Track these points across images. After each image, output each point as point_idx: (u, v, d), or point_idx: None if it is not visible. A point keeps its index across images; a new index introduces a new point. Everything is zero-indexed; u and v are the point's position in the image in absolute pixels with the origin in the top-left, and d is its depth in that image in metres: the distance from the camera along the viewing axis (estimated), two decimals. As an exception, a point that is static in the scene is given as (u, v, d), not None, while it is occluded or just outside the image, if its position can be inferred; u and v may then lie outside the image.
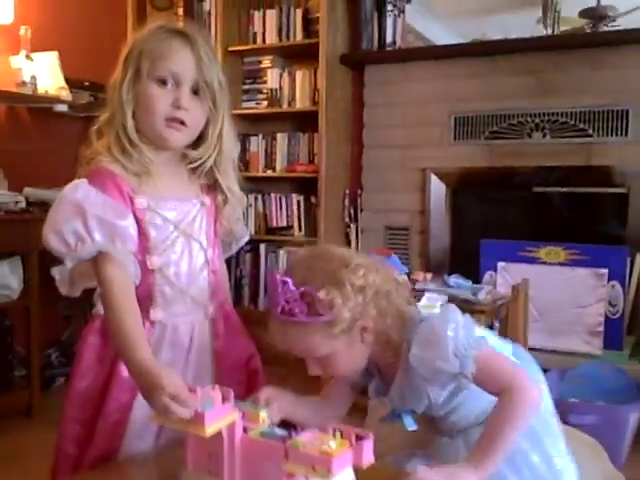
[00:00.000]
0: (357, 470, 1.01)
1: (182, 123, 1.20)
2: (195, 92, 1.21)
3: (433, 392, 1.15)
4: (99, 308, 1.19)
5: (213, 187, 1.30)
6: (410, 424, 1.17)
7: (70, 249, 1.12)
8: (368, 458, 0.95)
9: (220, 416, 0.97)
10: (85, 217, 1.12)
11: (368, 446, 0.94)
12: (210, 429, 0.95)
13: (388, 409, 1.22)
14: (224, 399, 1.00)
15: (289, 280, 1.07)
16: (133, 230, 1.17)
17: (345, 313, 1.08)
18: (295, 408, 1.18)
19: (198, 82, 1.20)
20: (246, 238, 1.44)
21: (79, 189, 1.15)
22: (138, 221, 1.18)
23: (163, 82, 1.18)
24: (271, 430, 1.00)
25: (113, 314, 1.12)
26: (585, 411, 2.31)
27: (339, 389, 1.27)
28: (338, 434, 0.96)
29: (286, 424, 1.08)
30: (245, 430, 0.99)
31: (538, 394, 1.11)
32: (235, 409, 0.99)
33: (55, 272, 1.17)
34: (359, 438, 0.95)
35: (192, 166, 1.26)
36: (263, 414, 1.03)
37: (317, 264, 1.11)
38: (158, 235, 1.20)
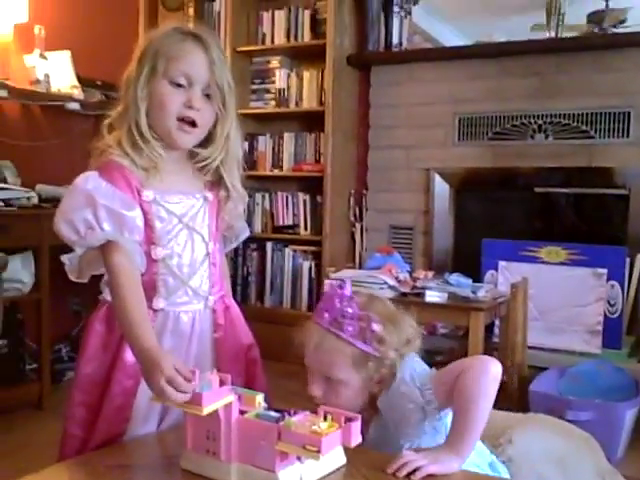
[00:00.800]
0: (347, 452, 1.07)
1: (193, 123, 1.25)
2: (206, 94, 1.25)
3: (409, 443, 1.19)
4: (106, 294, 1.26)
5: (217, 183, 1.35)
6: None
7: (80, 237, 1.18)
8: (356, 438, 1.00)
9: (217, 397, 1.02)
10: (95, 207, 1.17)
11: (356, 427, 1.00)
12: (207, 409, 1.00)
13: None
14: (222, 383, 1.06)
15: (356, 299, 1.17)
16: (140, 221, 1.22)
17: (391, 354, 1.17)
18: None
19: (209, 84, 1.25)
20: (246, 234, 1.48)
21: (90, 180, 1.20)
22: (145, 213, 1.23)
23: (178, 85, 1.23)
24: (266, 412, 1.06)
25: (120, 301, 1.17)
26: (582, 408, 2.33)
27: None
28: (329, 417, 1.02)
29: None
30: (242, 412, 1.05)
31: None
32: (232, 392, 1.05)
33: (65, 259, 1.22)
34: (348, 420, 1.01)
35: (200, 165, 1.30)
36: (259, 398, 1.08)
37: (380, 303, 1.24)
38: (163, 227, 1.25)
